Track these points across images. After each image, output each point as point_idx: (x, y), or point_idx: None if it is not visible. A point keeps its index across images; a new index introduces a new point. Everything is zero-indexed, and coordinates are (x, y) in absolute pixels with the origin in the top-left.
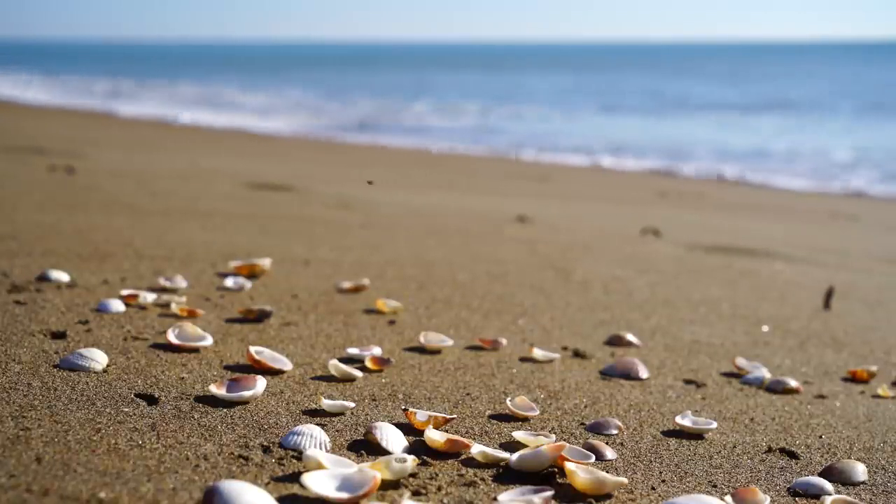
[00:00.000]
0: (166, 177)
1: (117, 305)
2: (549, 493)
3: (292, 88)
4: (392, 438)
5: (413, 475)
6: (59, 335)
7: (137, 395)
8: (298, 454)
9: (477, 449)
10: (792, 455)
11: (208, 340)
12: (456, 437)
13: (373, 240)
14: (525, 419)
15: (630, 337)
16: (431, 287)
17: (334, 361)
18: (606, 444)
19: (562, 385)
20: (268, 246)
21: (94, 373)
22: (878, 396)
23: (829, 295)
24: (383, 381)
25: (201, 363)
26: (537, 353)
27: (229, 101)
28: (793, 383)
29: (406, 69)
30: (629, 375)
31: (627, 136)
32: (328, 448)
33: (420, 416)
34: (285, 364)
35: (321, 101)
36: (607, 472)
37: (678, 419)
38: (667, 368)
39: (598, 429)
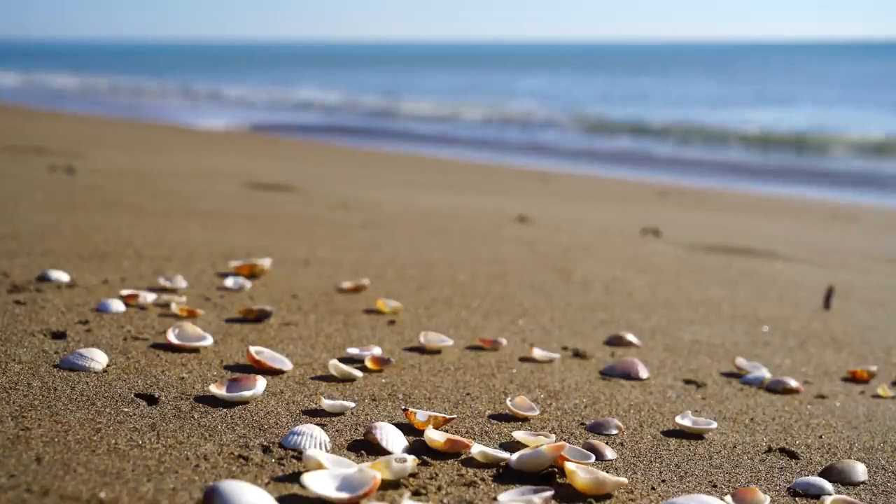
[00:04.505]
0: (167, 176)
1: (117, 305)
2: (549, 493)
3: (303, 87)
4: (392, 438)
5: (413, 475)
6: (59, 335)
7: (137, 395)
8: (298, 454)
9: (477, 449)
10: (792, 455)
11: (208, 340)
12: (456, 437)
13: (373, 240)
14: (525, 419)
15: (630, 337)
16: (431, 287)
17: (334, 361)
18: (606, 444)
19: (562, 385)
20: (268, 246)
21: (94, 373)
22: (878, 396)
23: (829, 295)
24: (383, 381)
25: (201, 363)
26: (537, 353)
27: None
28: (793, 383)
29: (405, 69)
30: (629, 375)
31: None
32: (328, 448)
33: (420, 416)
34: (285, 364)
35: (331, 99)
36: (607, 472)
37: (678, 419)
38: (667, 368)
39: (598, 429)
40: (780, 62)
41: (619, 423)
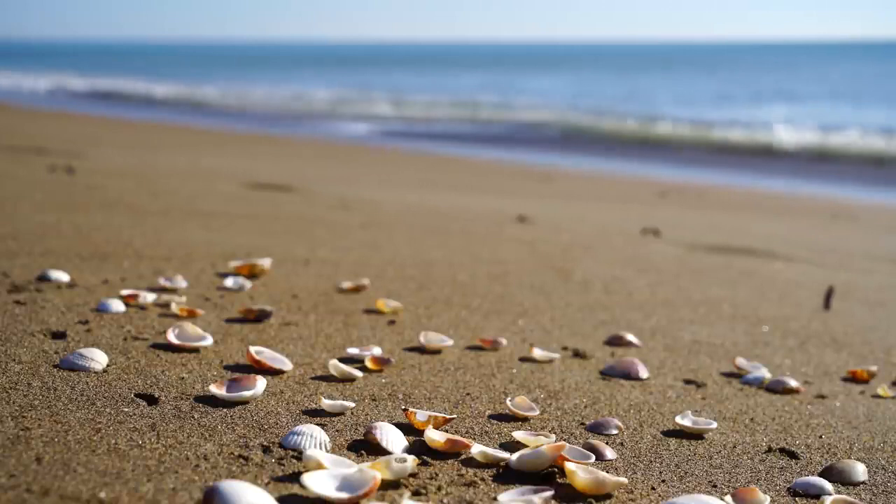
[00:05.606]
0: (167, 177)
1: (117, 305)
2: (549, 493)
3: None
4: (392, 438)
5: (413, 475)
6: (59, 335)
7: (137, 395)
8: (298, 454)
9: (477, 449)
10: (792, 455)
11: (208, 340)
12: (456, 437)
13: (373, 240)
14: (525, 419)
15: (630, 337)
16: (431, 287)
17: (334, 361)
18: (606, 444)
19: (562, 385)
20: (268, 246)
21: (94, 373)
22: (878, 396)
23: (829, 295)
24: (383, 381)
25: (201, 363)
26: (537, 353)
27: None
28: (793, 383)
29: (412, 69)
30: (629, 375)
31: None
32: (328, 448)
33: (420, 416)
34: (285, 364)
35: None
36: (607, 472)
37: (678, 419)
38: (667, 368)
39: (598, 429)
40: (780, 62)
41: (619, 423)
